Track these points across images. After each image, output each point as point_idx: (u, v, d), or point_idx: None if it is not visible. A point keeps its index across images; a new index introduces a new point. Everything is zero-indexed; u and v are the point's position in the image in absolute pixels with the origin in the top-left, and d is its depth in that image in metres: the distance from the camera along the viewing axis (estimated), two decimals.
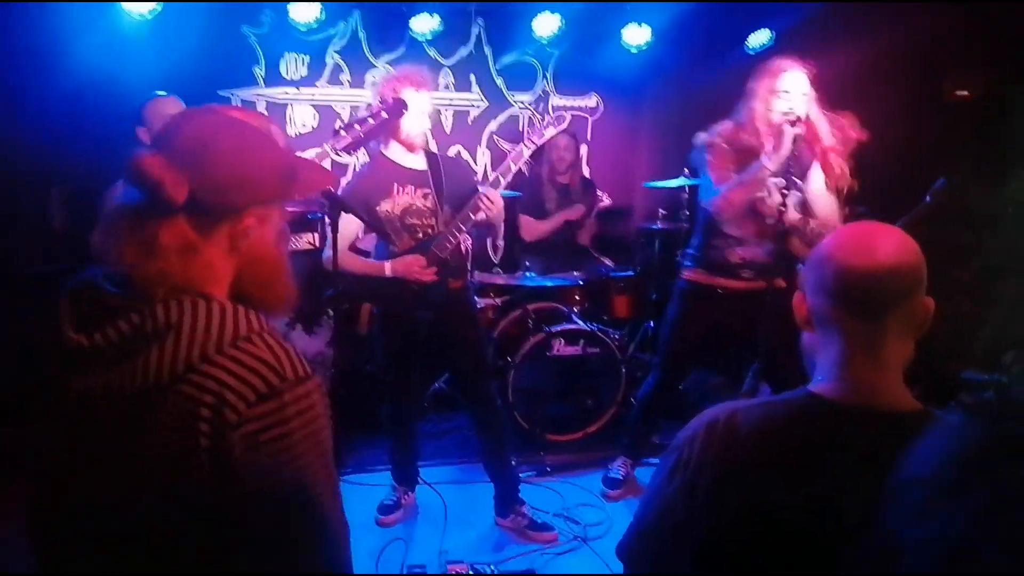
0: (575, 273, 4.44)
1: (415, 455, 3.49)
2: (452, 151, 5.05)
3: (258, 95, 4.74)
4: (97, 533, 1.10)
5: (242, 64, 4.67)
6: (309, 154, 2.93)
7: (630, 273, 4.86)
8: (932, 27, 4.46)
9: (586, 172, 5.29)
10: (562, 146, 4.51)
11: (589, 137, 5.40)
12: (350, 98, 4.87)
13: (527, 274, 4.32)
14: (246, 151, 1.16)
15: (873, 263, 1.13)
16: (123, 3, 3.90)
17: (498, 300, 4.38)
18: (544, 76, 5.26)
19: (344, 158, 4.87)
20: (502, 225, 3.14)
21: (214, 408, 1.03)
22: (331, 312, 2.75)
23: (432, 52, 4.90)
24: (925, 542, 0.79)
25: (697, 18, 4.78)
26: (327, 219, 2.66)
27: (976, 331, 4.75)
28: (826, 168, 3.08)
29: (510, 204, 3.06)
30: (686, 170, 4.36)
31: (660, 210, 4.76)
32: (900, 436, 1.10)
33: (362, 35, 4.84)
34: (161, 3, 3.94)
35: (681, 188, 4.47)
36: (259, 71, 4.72)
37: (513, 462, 3.37)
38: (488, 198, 2.90)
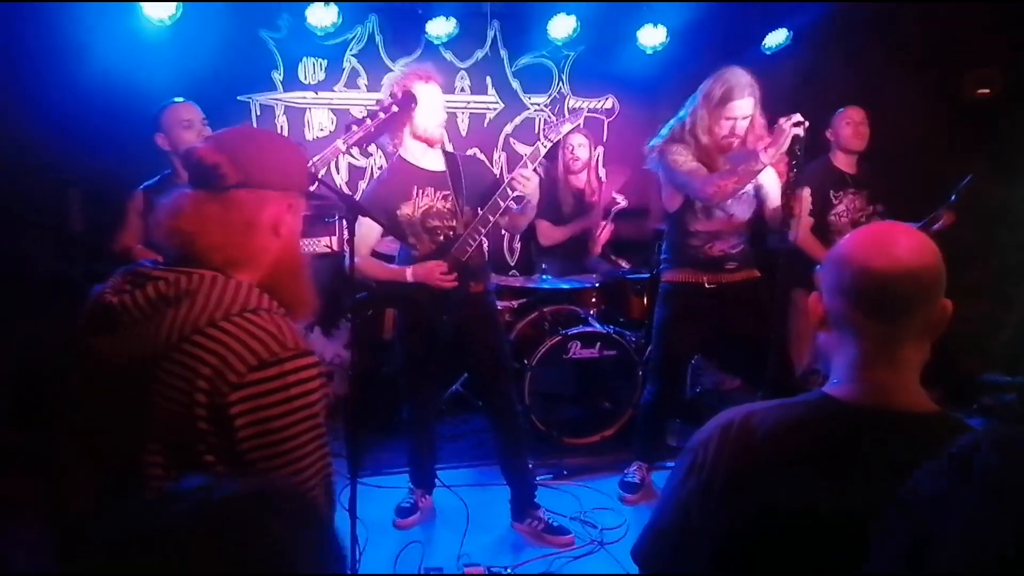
0: (591, 275, 4.43)
1: (433, 458, 3.49)
2: (468, 154, 5.05)
3: (276, 99, 4.77)
4: (112, 475, 1.22)
5: (261, 68, 4.70)
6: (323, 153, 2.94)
7: (646, 275, 4.84)
8: (951, 24, 4.42)
9: (602, 174, 5.28)
10: (576, 144, 4.50)
11: (605, 138, 5.39)
12: (367, 102, 4.89)
13: (543, 277, 4.32)
14: (281, 143, 1.48)
15: (893, 266, 1.11)
16: (144, 8, 3.93)
17: (514, 303, 4.38)
18: (560, 78, 5.26)
19: (361, 161, 4.90)
20: (535, 207, 3.14)
21: (215, 368, 1.14)
22: (351, 315, 2.76)
23: (448, 55, 4.91)
24: (940, 544, 0.78)
25: (713, 18, 4.75)
26: (344, 223, 2.67)
27: (995, 332, 4.70)
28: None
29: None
30: None
31: None
32: (917, 438, 1.10)
33: (379, 39, 4.86)
34: (180, 4, 3.96)
35: None
36: (277, 75, 4.75)
37: (530, 465, 3.37)
38: (523, 175, 2.89)
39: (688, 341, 3.47)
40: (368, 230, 2.87)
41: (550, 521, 3.28)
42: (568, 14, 4.68)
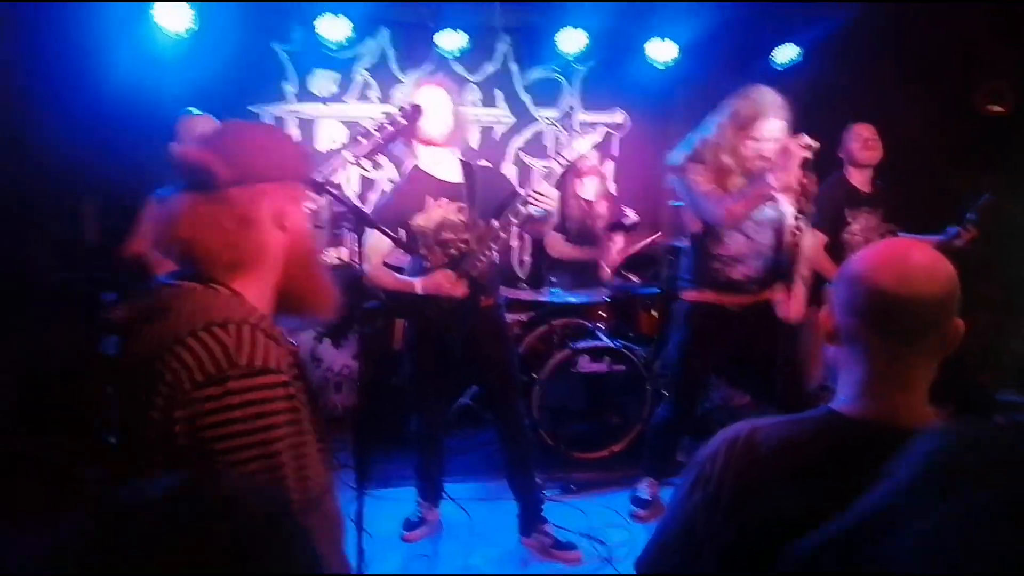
0: (601, 289, 4.42)
1: (442, 471, 3.47)
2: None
3: (288, 111, 4.80)
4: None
5: (272, 80, 4.74)
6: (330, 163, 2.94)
7: (656, 290, 4.83)
8: (963, 39, 4.41)
9: (612, 188, 5.28)
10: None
11: (616, 153, 5.39)
12: (379, 115, 4.90)
13: (553, 290, 4.31)
14: (269, 132, 1.44)
15: (911, 290, 1.09)
16: (159, 19, 3.98)
17: (524, 316, 4.37)
18: (570, 92, 5.27)
19: (372, 173, 4.91)
20: (554, 214, 3.11)
21: (170, 385, 1.11)
22: (360, 326, 2.75)
23: (459, 68, 4.94)
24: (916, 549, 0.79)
25: (724, 32, 4.76)
26: (355, 234, 2.66)
27: (1005, 346, 4.67)
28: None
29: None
30: None
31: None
32: None
33: (390, 52, 4.89)
34: (196, 17, 4.01)
35: None
36: (289, 87, 4.78)
37: (538, 480, 3.35)
38: (540, 194, 2.85)
39: (708, 362, 3.42)
40: (379, 239, 2.87)
41: (558, 536, 3.26)
42: (578, 28, 4.70)
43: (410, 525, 3.37)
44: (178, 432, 1.09)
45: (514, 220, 2.92)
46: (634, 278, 4.81)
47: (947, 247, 3.60)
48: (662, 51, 4.88)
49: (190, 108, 3.46)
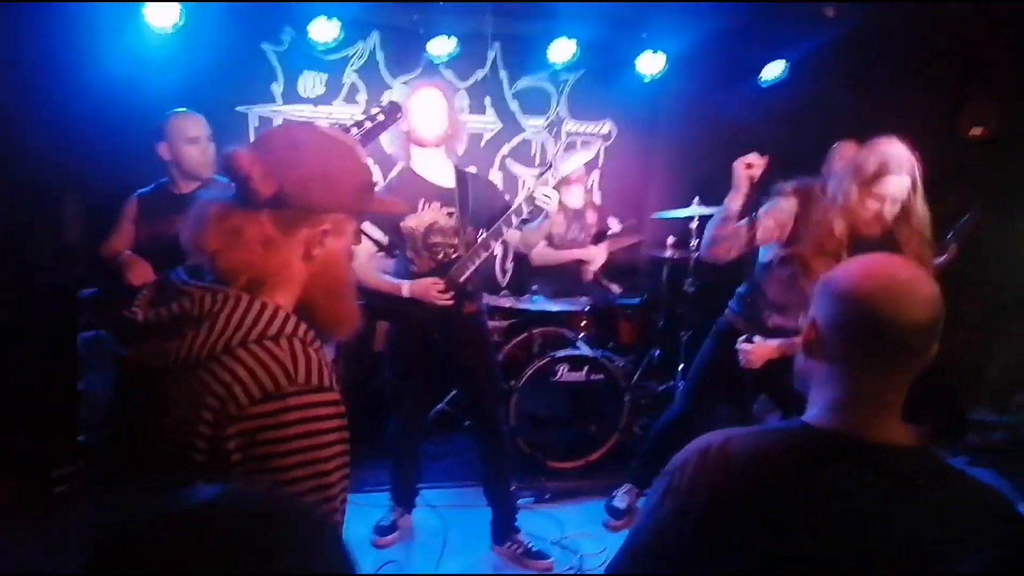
0: (582, 299, 4.43)
1: (417, 476, 3.46)
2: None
3: (275, 112, 4.78)
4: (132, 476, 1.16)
5: (261, 81, 4.71)
6: None
7: (637, 300, 4.84)
8: (946, 60, 4.46)
9: (597, 198, 5.29)
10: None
11: (601, 162, 5.41)
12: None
13: (534, 298, 4.31)
14: (331, 158, 1.24)
15: (906, 319, 1.09)
16: (147, 16, 3.94)
17: (504, 323, 4.37)
18: (558, 101, 5.28)
19: None
20: (549, 225, 3.09)
21: (221, 399, 1.06)
22: None
23: (448, 74, 4.93)
24: None
25: (712, 47, 4.79)
26: None
27: (984, 367, 4.71)
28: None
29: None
30: (696, 199, 4.36)
31: (670, 238, 4.75)
32: (891, 470, 1.10)
33: (380, 56, 4.88)
34: (184, 13, 3.98)
35: (690, 218, 4.46)
36: (277, 88, 4.76)
37: (513, 488, 3.33)
38: (545, 194, 2.86)
39: (724, 378, 3.29)
40: (367, 240, 2.85)
41: (529, 545, 3.25)
42: (569, 38, 4.71)
43: (382, 530, 3.34)
44: (231, 449, 1.05)
45: (505, 233, 2.92)
46: (615, 287, 4.82)
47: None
48: (651, 63, 4.90)
49: (178, 108, 3.42)
